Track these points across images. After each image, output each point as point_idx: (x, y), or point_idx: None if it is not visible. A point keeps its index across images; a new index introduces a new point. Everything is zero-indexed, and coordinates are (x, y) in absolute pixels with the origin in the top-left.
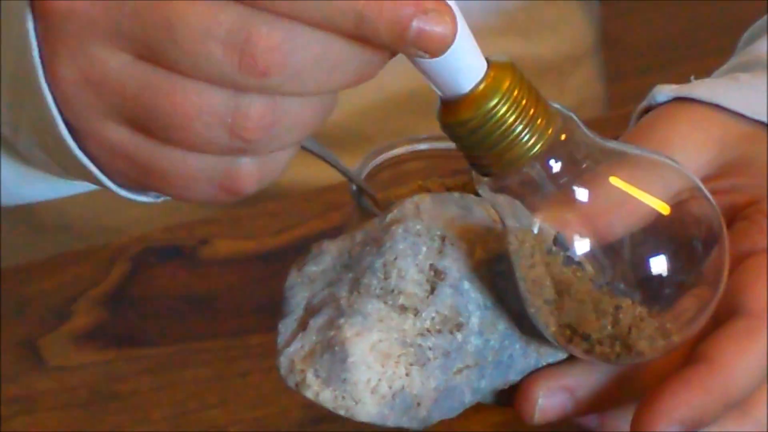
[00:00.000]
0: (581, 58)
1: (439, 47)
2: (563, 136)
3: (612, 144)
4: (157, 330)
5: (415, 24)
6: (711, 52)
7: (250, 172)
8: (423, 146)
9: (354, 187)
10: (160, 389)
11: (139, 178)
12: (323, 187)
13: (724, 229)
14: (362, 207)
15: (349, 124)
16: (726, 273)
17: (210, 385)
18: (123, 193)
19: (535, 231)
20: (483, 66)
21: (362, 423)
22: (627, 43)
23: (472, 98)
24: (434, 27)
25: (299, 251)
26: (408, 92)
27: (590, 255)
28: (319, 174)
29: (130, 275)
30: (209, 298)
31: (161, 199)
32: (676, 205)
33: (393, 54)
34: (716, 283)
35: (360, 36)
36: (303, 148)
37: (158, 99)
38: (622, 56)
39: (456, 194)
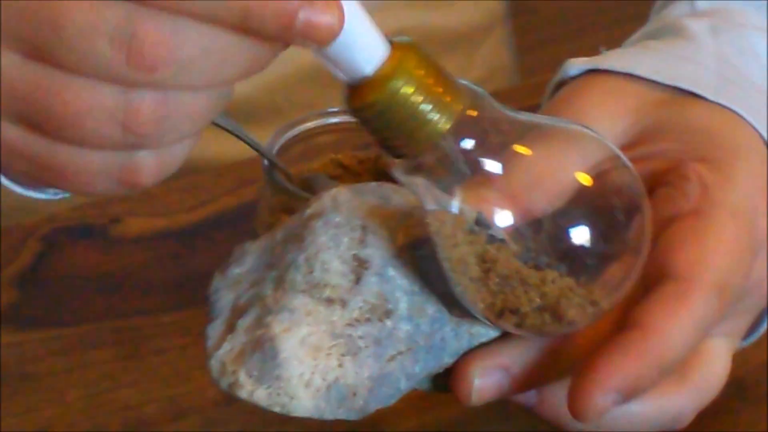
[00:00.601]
0: (491, 28)
1: (326, 37)
2: (473, 113)
3: (527, 117)
4: (70, 310)
5: (302, 15)
6: (622, 21)
7: (147, 165)
8: (334, 119)
9: (266, 162)
10: (74, 370)
11: (38, 175)
12: (235, 162)
13: (645, 197)
14: (274, 182)
15: (259, 98)
16: (649, 238)
17: (124, 364)
18: (21, 191)
19: (455, 210)
20: (384, 48)
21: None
22: (537, 12)
23: (376, 81)
24: (321, 17)
25: (212, 227)
26: (318, 64)
27: (513, 230)
28: (231, 149)
29: (41, 255)
30: (122, 277)
31: (60, 195)
32: (597, 176)
33: (285, 45)
34: (640, 249)
35: (247, 29)
36: (214, 123)
37: (49, 98)
38: (533, 26)
39: (373, 183)
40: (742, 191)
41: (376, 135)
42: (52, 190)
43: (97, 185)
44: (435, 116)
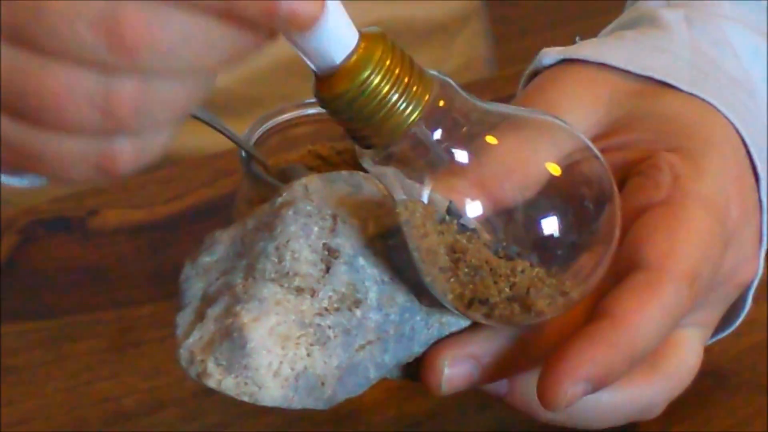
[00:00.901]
0: (468, 19)
1: (307, 24)
2: (442, 102)
3: (497, 107)
4: (48, 303)
5: (285, 2)
6: (599, 12)
7: (125, 153)
8: (311, 110)
9: (243, 154)
10: (53, 362)
11: (15, 161)
12: (213, 154)
13: (615, 187)
14: (252, 173)
15: (236, 89)
16: (618, 229)
17: (103, 356)
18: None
19: (425, 200)
20: (354, 38)
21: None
22: (516, 2)
23: (345, 71)
24: (303, 4)
25: (190, 220)
26: (295, 56)
27: (483, 220)
28: (208, 141)
29: (19, 248)
30: (100, 269)
31: (39, 182)
32: (567, 166)
33: (268, 36)
34: (609, 239)
35: (231, 16)
36: (191, 115)
37: (29, 82)
38: (511, 16)
39: (344, 172)
40: (714, 182)
41: (346, 125)
42: (30, 177)
43: (75, 171)
44: (403, 106)
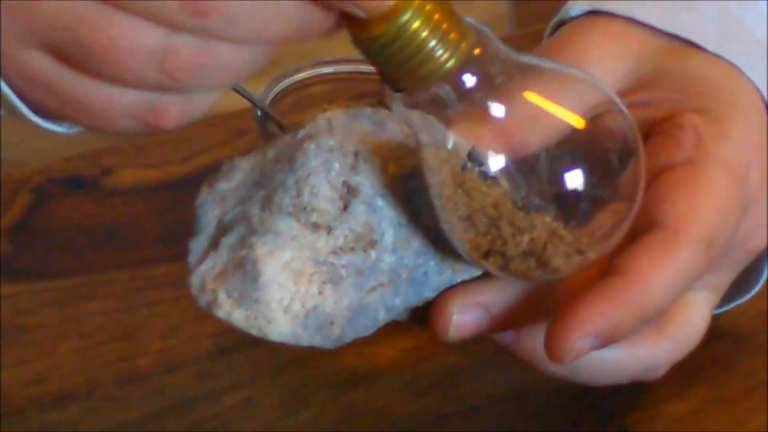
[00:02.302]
0: None
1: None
2: (477, 51)
3: (526, 58)
4: (62, 262)
5: None
6: None
7: (173, 110)
8: (328, 69)
9: (259, 113)
10: (67, 322)
11: (56, 107)
12: (228, 113)
13: (640, 144)
14: (267, 133)
15: None
16: (642, 187)
17: (117, 316)
18: (36, 120)
19: (449, 146)
20: None
21: (274, 343)
22: None
23: (384, 13)
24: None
25: (205, 179)
26: None
27: (505, 170)
28: (224, 100)
29: (33, 207)
30: (114, 229)
31: (75, 129)
32: (592, 119)
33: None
34: (632, 197)
35: None
36: None
37: (93, 32)
38: None
39: (368, 109)
40: (736, 145)
41: (379, 67)
42: (66, 125)
43: (118, 122)
44: (440, 53)
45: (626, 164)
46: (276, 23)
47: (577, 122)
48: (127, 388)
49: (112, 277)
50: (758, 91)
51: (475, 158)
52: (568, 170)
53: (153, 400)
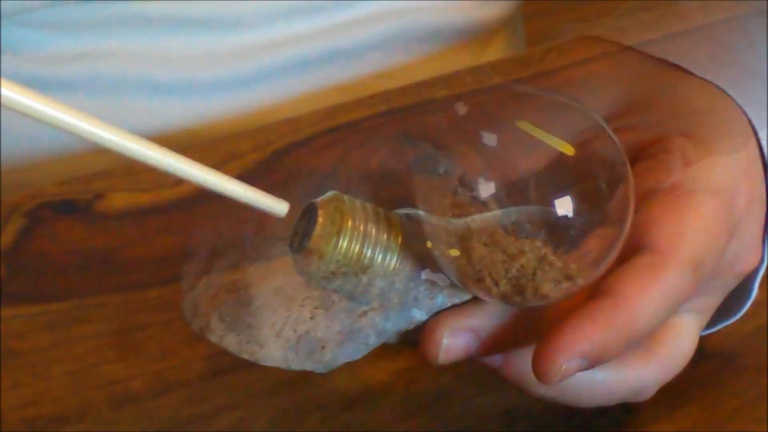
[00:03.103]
0: (509, 18)
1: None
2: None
3: (515, 86)
4: (55, 286)
5: None
6: None
7: None
8: None
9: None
10: (60, 345)
11: None
12: (220, 137)
13: (629, 170)
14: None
15: None
16: (631, 213)
17: (110, 339)
18: None
19: (441, 172)
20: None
21: (265, 368)
22: None
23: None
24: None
25: (196, 203)
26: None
27: (495, 197)
28: (215, 125)
29: (26, 231)
30: (106, 253)
31: None
32: (580, 145)
33: None
34: (621, 223)
35: None
36: None
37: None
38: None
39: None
40: (724, 169)
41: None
42: None
43: None
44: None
45: (615, 190)
46: None
47: (566, 149)
48: (120, 411)
49: (105, 300)
50: (745, 114)
51: (467, 184)
52: (557, 197)
53: (146, 423)
